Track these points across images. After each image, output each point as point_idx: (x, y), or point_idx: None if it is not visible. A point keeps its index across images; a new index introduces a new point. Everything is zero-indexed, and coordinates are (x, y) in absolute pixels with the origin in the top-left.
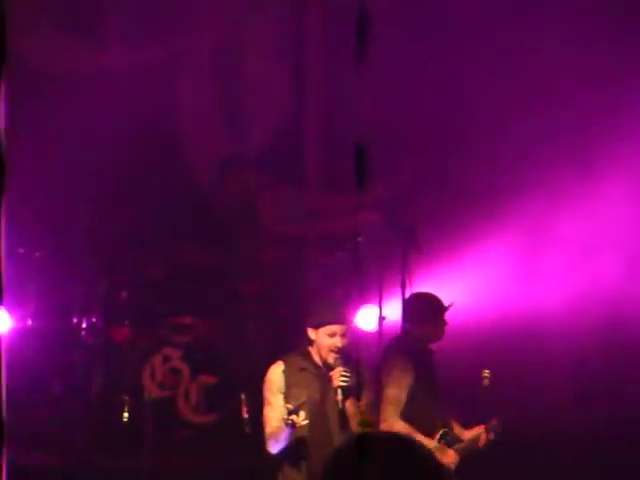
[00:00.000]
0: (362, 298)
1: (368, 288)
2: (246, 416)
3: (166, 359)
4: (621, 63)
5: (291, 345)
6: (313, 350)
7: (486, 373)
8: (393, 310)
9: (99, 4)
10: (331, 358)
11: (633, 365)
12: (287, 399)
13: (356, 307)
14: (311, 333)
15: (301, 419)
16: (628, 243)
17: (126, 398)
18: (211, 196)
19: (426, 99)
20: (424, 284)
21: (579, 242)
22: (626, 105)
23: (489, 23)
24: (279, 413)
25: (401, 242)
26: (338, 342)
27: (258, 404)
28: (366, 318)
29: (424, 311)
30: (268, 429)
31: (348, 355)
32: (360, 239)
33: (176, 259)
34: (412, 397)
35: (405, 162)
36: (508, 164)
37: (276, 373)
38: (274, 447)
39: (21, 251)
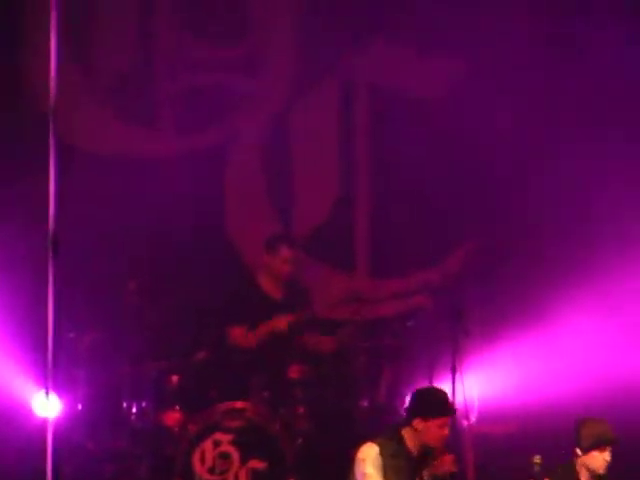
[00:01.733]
0: (411, 383)
1: (418, 373)
2: None
3: (216, 444)
4: None
5: (339, 431)
6: (409, 436)
7: (537, 459)
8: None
9: (151, 90)
10: (439, 445)
11: None
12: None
13: (406, 392)
14: (419, 423)
15: None
16: None
17: None
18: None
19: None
20: (474, 368)
21: None
22: None
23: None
24: None
25: (450, 326)
26: (447, 431)
27: None
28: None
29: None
30: None
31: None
32: (410, 323)
33: (225, 342)
34: None
35: (456, 247)
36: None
37: (373, 453)
38: None
39: (71, 335)
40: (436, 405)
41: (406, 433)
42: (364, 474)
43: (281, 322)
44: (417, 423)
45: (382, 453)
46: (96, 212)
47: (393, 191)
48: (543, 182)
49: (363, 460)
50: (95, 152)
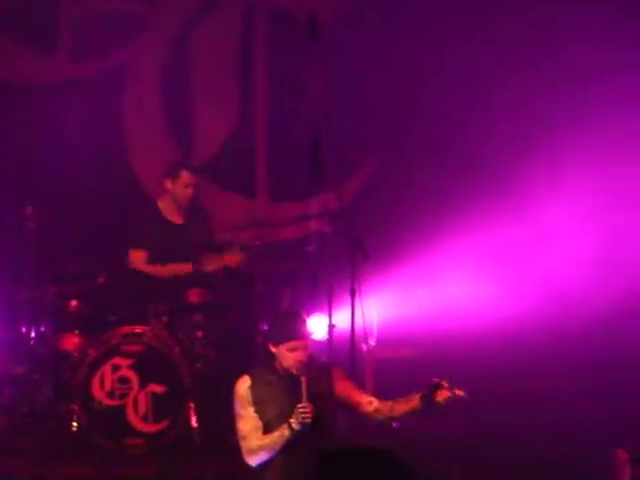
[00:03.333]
0: (312, 307)
1: (318, 297)
2: (195, 425)
3: (115, 368)
4: None
5: (238, 354)
6: (277, 363)
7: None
8: (343, 318)
9: (51, 16)
10: (295, 370)
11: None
12: (259, 412)
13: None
14: (272, 348)
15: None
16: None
17: (75, 407)
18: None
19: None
20: (373, 292)
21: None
22: None
23: None
24: (253, 425)
25: (350, 250)
26: (299, 355)
27: (206, 413)
28: (316, 327)
29: None
30: (255, 442)
31: (313, 364)
32: (309, 248)
33: (124, 268)
34: None
35: (354, 170)
36: (458, 168)
37: (243, 388)
38: (259, 459)
39: None
40: (281, 329)
41: (273, 360)
42: (236, 414)
43: (186, 270)
44: (271, 348)
45: (254, 384)
46: None
47: (292, 114)
48: (442, 100)
49: (234, 397)
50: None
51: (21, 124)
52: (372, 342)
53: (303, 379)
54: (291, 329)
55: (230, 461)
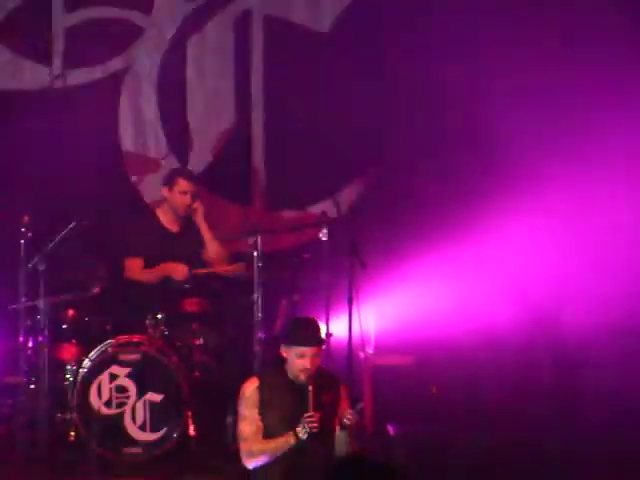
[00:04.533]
0: (309, 314)
1: (315, 305)
2: (193, 434)
3: (113, 377)
4: None
5: (236, 363)
6: (286, 368)
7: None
8: (340, 326)
9: (44, 23)
10: (301, 377)
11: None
12: (262, 415)
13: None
14: (283, 352)
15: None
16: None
17: (73, 416)
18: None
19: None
20: (371, 299)
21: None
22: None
23: None
24: (256, 428)
25: (347, 258)
26: (306, 362)
27: (204, 421)
28: None
29: None
30: (257, 446)
31: (323, 374)
32: (307, 256)
33: (120, 277)
34: None
35: (351, 178)
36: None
37: (250, 389)
38: (258, 463)
39: None
40: (294, 333)
41: (284, 363)
42: (239, 414)
43: (178, 272)
44: (282, 351)
45: (262, 386)
46: None
47: (288, 123)
48: (446, 116)
49: (240, 398)
50: None
51: (17, 132)
52: (370, 350)
53: (311, 388)
54: (303, 335)
55: (228, 469)
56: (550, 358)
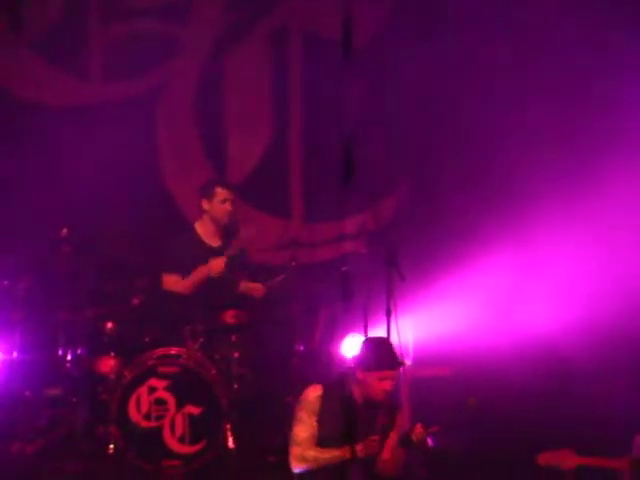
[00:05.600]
0: (348, 327)
1: (354, 317)
2: (232, 446)
3: (151, 390)
4: None
5: (274, 375)
6: (356, 387)
7: (472, 401)
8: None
9: (82, 37)
10: (379, 398)
11: None
12: (319, 423)
13: (343, 336)
14: (360, 375)
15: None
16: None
17: (112, 429)
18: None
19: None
20: (409, 311)
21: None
22: None
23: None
24: (311, 434)
25: (385, 270)
26: (388, 385)
27: (243, 434)
28: (352, 347)
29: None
30: (311, 452)
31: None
32: (345, 268)
33: (158, 289)
34: None
35: (390, 191)
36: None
37: (313, 396)
38: (306, 469)
39: (5, 283)
40: (377, 357)
41: (353, 381)
42: (297, 418)
43: (217, 264)
44: (359, 374)
45: (324, 396)
46: (29, 160)
47: (325, 135)
48: (477, 122)
49: (301, 402)
50: (28, 100)
51: (55, 145)
52: (408, 361)
53: (381, 412)
54: (385, 358)
55: None
56: (584, 369)
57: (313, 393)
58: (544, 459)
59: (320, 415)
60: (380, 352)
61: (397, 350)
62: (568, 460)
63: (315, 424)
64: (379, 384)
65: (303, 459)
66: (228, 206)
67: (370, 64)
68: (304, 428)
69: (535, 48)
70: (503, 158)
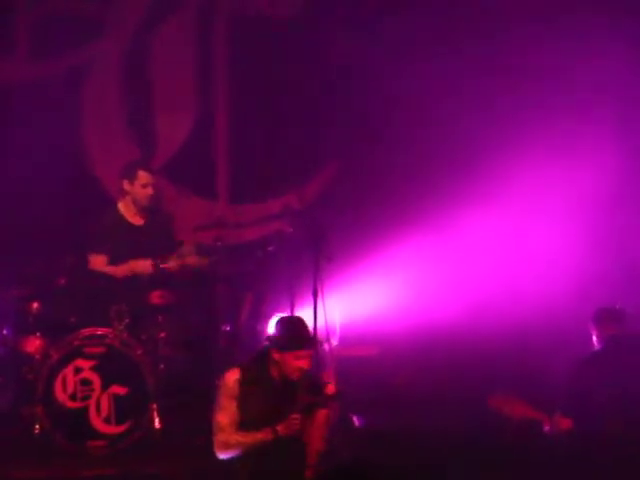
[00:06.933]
0: (275, 307)
1: (280, 297)
2: (158, 426)
3: (77, 370)
4: None
5: (201, 355)
6: (273, 367)
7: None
8: (305, 318)
9: (8, 15)
10: (295, 376)
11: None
12: (240, 408)
13: (268, 316)
14: (276, 355)
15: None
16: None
17: (38, 410)
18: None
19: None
20: (336, 292)
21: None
22: None
23: None
24: (233, 419)
25: (311, 251)
26: (304, 364)
27: (169, 414)
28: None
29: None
30: (234, 437)
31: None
32: (271, 248)
33: (84, 269)
34: None
35: (315, 171)
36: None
37: (232, 380)
38: (231, 454)
39: None
40: (290, 338)
41: (270, 360)
42: (217, 404)
43: (142, 268)
44: (274, 353)
45: (242, 379)
46: None
47: (251, 116)
48: (402, 100)
49: (220, 387)
50: None
51: None
52: (334, 341)
53: (300, 389)
54: (301, 338)
55: (194, 462)
56: (509, 346)
57: (231, 377)
58: (493, 402)
59: (240, 399)
60: (294, 331)
61: (311, 329)
62: (515, 409)
63: (235, 409)
64: (295, 363)
65: (227, 445)
66: (150, 190)
67: (296, 44)
68: (225, 414)
69: None
70: (429, 137)
